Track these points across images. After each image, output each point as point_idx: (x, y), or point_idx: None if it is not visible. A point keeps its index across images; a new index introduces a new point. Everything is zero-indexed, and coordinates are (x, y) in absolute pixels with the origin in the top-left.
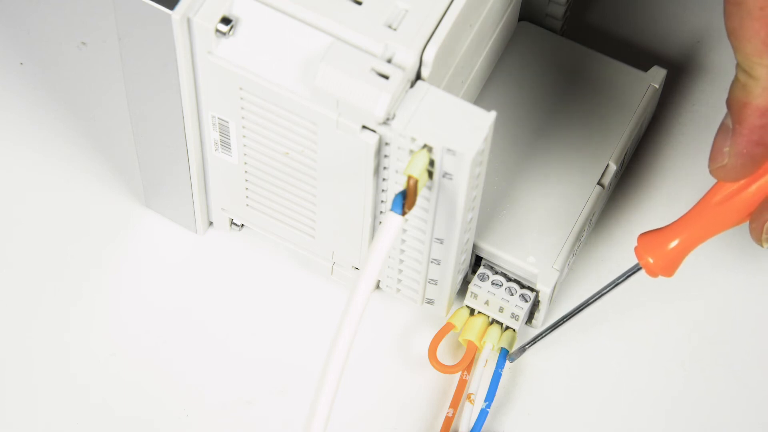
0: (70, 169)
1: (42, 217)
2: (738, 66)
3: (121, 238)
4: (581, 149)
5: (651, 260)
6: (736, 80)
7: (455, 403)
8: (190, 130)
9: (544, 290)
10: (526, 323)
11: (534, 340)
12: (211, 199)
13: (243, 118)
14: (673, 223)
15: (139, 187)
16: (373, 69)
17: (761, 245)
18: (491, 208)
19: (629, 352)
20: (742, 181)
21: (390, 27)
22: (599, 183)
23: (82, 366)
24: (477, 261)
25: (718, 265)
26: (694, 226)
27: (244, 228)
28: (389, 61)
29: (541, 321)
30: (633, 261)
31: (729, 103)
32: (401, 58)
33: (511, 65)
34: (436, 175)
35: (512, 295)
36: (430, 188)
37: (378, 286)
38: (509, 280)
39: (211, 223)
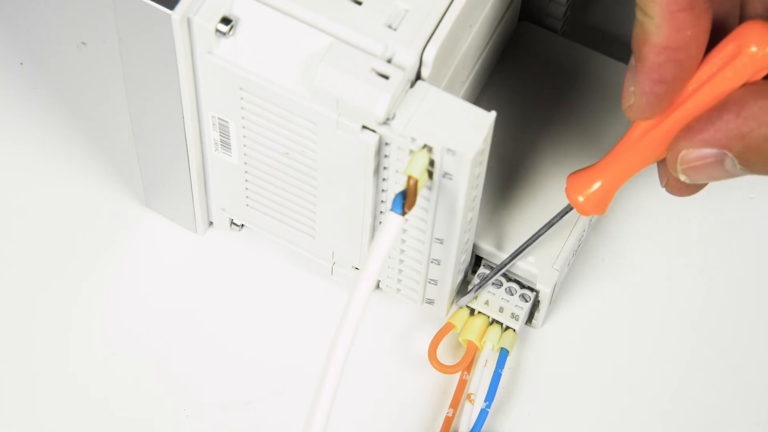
0: (70, 169)
1: (42, 217)
2: (636, 5)
3: (121, 238)
4: (581, 149)
5: (581, 199)
6: (635, 20)
7: (455, 403)
8: (190, 130)
9: (544, 290)
10: (526, 323)
11: (479, 285)
12: (211, 199)
13: (243, 118)
14: (599, 162)
15: (139, 187)
16: (373, 69)
17: (678, 177)
18: (491, 208)
19: (628, 352)
20: (657, 118)
21: (390, 27)
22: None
23: (82, 366)
24: (477, 261)
25: (717, 264)
26: (617, 163)
27: (244, 228)
28: (389, 61)
29: (541, 321)
30: (633, 260)
31: (632, 43)
32: (401, 58)
33: (511, 65)
34: (436, 175)
35: (512, 295)
36: (430, 188)
37: (378, 286)
38: (509, 280)
39: (211, 223)
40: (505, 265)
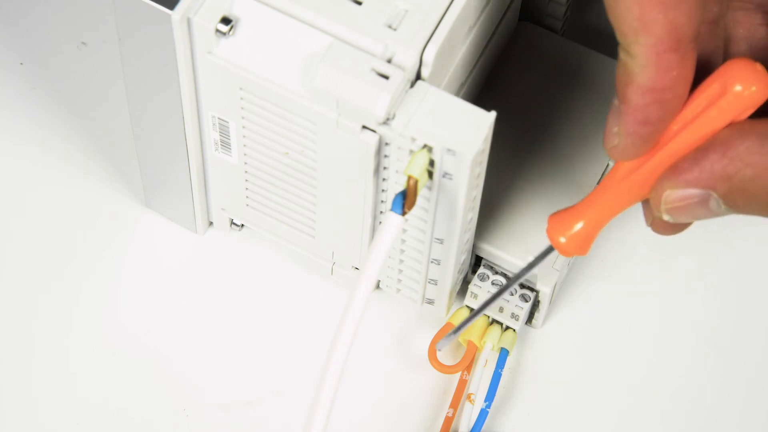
0: (70, 169)
1: (42, 217)
2: (619, 45)
3: (121, 238)
4: (581, 149)
5: (562, 240)
6: (618, 60)
7: (455, 403)
8: (190, 130)
9: (544, 290)
10: (526, 323)
11: (459, 327)
12: (211, 199)
13: (243, 118)
14: (581, 202)
15: (139, 187)
16: (373, 69)
17: (661, 216)
18: (491, 208)
19: (628, 352)
20: (641, 158)
21: (390, 27)
22: (599, 183)
23: (82, 366)
24: (477, 261)
25: (717, 264)
26: (600, 204)
27: (244, 228)
28: (389, 61)
29: (541, 321)
30: (633, 260)
31: (615, 84)
32: (401, 58)
33: (511, 65)
34: (436, 175)
35: (512, 295)
36: (430, 188)
37: (378, 286)
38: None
39: (211, 223)
40: (487, 305)
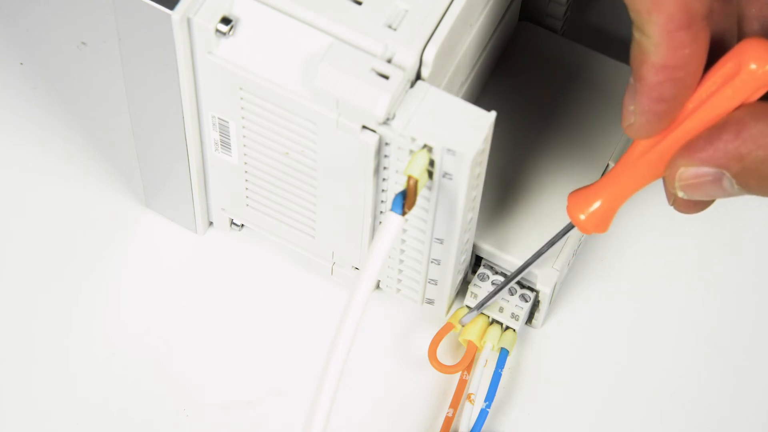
0: (70, 169)
1: (41, 217)
2: (633, 24)
3: (121, 238)
4: (581, 149)
5: (582, 218)
6: (633, 39)
7: (455, 403)
8: (190, 130)
9: (544, 290)
10: (526, 323)
11: (487, 299)
12: (211, 199)
13: (243, 118)
14: (599, 180)
15: (139, 187)
16: (373, 69)
17: (676, 193)
18: (491, 208)
19: (628, 352)
20: (657, 136)
21: (390, 27)
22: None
23: (82, 366)
24: (477, 261)
25: (717, 263)
26: (618, 182)
27: (244, 228)
28: (389, 61)
29: (541, 321)
30: (633, 260)
31: (630, 62)
32: (401, 58)
33: (511, 65)
34: (436, 175)
35: (512, 295)
36: (430, 188)
37: (378, 286)
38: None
39: (211, 223)
40: (501, 288)
